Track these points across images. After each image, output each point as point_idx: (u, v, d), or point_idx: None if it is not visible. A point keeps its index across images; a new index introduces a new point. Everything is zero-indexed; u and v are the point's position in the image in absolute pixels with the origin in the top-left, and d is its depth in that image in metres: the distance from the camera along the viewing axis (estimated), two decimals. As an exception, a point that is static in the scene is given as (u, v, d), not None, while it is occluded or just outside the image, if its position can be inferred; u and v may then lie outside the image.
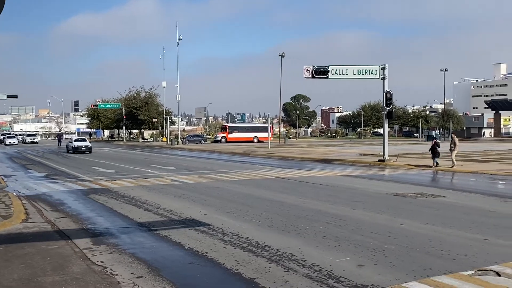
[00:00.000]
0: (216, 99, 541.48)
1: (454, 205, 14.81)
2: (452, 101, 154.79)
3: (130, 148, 65.80)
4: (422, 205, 14.74)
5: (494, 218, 12.58)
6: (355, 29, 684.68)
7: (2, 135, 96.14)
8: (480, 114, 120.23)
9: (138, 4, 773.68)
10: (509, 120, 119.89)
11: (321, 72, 28.62)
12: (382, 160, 31.15)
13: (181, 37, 73.87)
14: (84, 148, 48.16)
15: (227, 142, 77.72)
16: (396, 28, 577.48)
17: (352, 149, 50.40)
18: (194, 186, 20.23)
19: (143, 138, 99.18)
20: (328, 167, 30.09)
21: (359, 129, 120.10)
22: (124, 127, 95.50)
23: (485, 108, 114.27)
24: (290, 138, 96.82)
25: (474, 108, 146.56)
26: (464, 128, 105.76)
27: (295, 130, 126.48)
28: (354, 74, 30.11)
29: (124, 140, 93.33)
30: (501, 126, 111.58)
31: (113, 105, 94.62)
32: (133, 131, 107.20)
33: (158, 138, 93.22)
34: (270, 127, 73.06)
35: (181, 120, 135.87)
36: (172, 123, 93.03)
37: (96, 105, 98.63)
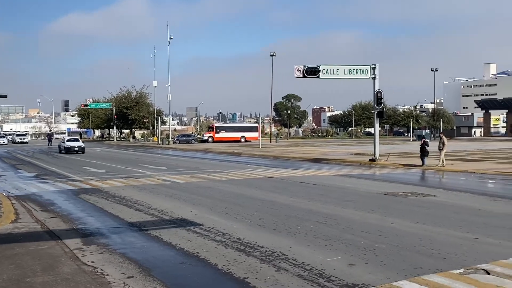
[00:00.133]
0: (207, 98, 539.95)
1: (444, 204, 14.89)
2: (442, 101, 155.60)
3: (121, 148, 65.58)
4: (413, 204, 14.81)
5: (484, 217, 12.66)
6: (348, 29, 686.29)
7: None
8: (470, 114, 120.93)
9: (130, 4, 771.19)
10: (498, 119, 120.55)
11: (312, 72, 28.63)
12: (373, 160, 31.25)
13: (172, 37, 73.69)
14: (77, 149, 47.05)
15: (214, 141, 77.26)
16: (388, 28, 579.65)
17: (343, 149, 50.52)
18: (185, 185, 20.20)
19: (134, 137, 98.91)
20: (319, 167, 30.15)
21: (350, 129, 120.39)
22: (114, 127, 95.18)
23: (475, 107, 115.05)
24: (281, 137, 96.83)
25: (464, 107, 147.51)
26: (454, 128, 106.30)
27: (286, 130, 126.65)
28: (345, 73, 30.15)
29: (115, 140, 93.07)
30: (491, 125, 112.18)
31: (103, 105, 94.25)
32: (124, 130, 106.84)
33: (149, 138, 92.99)
34: (258, 126, 73.01)
35: (172, 120, 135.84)
36: (163, 122, 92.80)
37: (86, 105, 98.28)
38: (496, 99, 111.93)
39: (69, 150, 46.84)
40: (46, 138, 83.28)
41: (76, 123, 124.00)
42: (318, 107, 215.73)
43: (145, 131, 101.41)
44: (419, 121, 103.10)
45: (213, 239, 10.27)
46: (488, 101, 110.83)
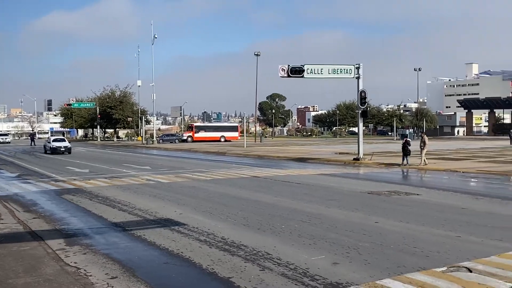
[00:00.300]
0: (192, 98, 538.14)
1: (427, 202, 15.02)
2: (425, 100, 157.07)
3: (105, 147, 65.12)
4: (396, 203, 14.91)
5: (466, 215, 12.80)
6: (333, 28, 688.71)
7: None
8: (453, 113, 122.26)
9: (114, 3, 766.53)
10: (481, 119, 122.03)
11: (296, 71, 28.68)
12: (357, 159, 31.42)
13: (156, 36, 73.40)
14: (64, 149, 45.69)
15: (193, 141, 76.72)
16: (372, 28, 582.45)
17: (328, 148, 50.71)
18: (169, 185, 20.13)
19: (117, 137, 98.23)
20: (304, 166, 30.23)
21: (334, 128, 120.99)
22: (98, 127, 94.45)
23: (458, 107, 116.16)
24: (266, 137, 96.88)
25: (447, 107, 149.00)
26: (438, 127, 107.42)
27: (271, 129, 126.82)
28: (329, 73, 30.25)
29: (99, 140, 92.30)
30: (473, 124, 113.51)
31: (87, 104, 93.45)
32: (108, 130, 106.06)
33: (133, 138, 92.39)
34: (238, 126, 72.80)
35: (157, 119, 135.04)
36: (148, 122, 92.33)
37: (69, 104, 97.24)
38: (479, 98, 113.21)
39: (55, 151, 45.46)
40: (29, 138, 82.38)
41: (59, 122, 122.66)
42: (302, 107, 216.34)
43: (129, 131, 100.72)
44: (403, 120, 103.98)
45: (198, 239, 10.25)
46: (470, 101, 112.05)
